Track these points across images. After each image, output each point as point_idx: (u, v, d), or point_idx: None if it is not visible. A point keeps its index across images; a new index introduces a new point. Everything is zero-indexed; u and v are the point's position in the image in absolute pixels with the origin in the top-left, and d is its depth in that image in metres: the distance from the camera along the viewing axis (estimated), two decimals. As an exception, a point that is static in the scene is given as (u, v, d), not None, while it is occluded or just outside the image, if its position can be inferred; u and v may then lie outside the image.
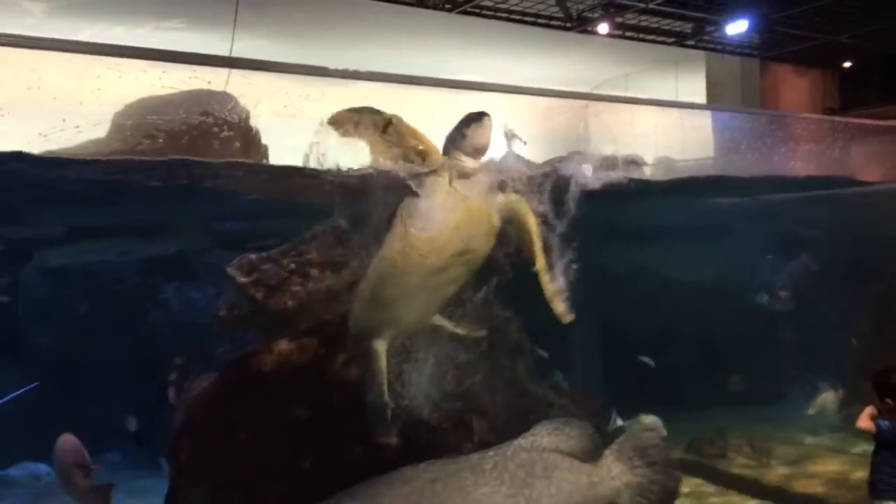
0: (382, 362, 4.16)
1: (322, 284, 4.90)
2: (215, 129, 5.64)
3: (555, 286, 4.14)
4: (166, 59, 4.18)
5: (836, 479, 6.55)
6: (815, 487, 6.46)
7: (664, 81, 12.68)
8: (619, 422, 6.95)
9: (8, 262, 7.44)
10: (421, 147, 3.93)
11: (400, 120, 3.92)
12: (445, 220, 3.88)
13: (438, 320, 4.43)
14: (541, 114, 6.76)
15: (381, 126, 3.90)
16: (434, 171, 3.94)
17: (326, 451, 4.56)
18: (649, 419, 5.32)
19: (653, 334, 8.25)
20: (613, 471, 4.23)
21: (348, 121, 3.89)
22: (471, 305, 4.57)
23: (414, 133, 3.93)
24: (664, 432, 6.75)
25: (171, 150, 5.46)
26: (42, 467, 5.83)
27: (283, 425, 4.56)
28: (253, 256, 5.05)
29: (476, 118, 4.03)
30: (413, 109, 5.87)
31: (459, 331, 4.50)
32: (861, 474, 5.15)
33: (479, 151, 4.02)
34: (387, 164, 4.06)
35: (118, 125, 5.75)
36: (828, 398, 8.05)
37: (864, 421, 4.79)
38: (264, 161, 6.33)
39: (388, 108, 5.80)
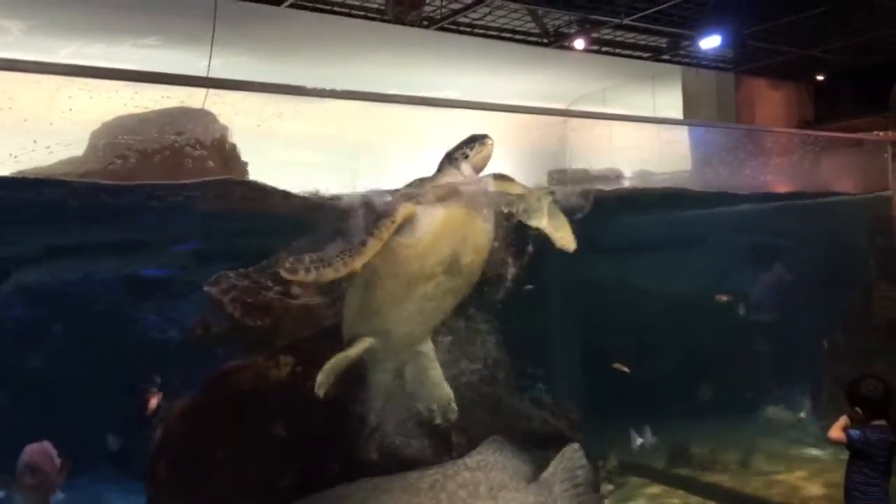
0: (351, 353, 4.21)
1: (298, 301, 4.92)
2: (192, 148, 5.65)
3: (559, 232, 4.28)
4: (140, 80, 4.19)
5: (813, 488, 6.62)
6: (793, 495, 6.52)
7: (641, 95, 12.82)
8: (640, 440, 7.02)
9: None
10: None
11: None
12: (428, 230, 3.92)
13: (428, 349, 4.45)
14: (519, 129, 6.82)
15: None
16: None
17: (305, 467, 4.57)
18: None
19: (631, 345, 8.32)
20: (555, 491, 4.32)
21: None
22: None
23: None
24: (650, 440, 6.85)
25: (147, 169, 5.45)
26: None
27: (261, 442, 4.56)
28: (230, 274, 5.06)
29: (480, 139, 4.13)
30: (389, 127, 5.95)
31: (439, 376, 4.50)
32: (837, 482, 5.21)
33: (477, 171, 4.11)
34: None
35: (94, 145, 5.75)
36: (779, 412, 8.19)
37: (836, 431, 4.86)
38: (242, 179, 6.35)
39: (363, 125, 5.87)
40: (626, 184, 7.97)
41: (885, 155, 7.74)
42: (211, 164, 5.93)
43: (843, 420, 4.92)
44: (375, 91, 5.80)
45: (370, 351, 4.28)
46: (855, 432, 4.77)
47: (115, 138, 5.55)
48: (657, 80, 12.09)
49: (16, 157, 4.22)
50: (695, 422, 7.95)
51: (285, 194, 5.49)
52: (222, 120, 6.03)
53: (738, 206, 8.63)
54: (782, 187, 8.50)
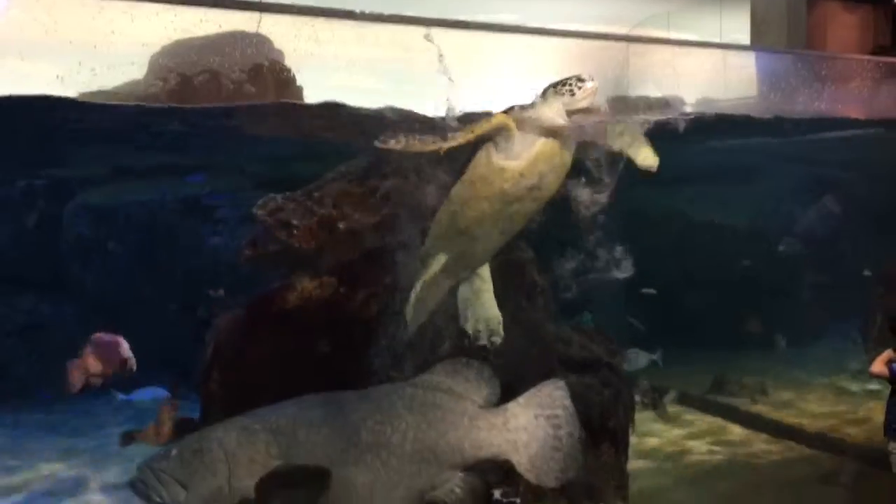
0: (429, 273, 4.47)
1: (343, 224, 5.05)
2: (246, 72, 5.74)
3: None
4: (184, 3, 4.26)
5: (853, 419, 6.60)
6: (833, 426, 6.52)
7: (708, 19, 12.31)
8: (643, 359, 7.06)
9: (52, 200, 7.74)
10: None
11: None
12: (524, 154, 4.11)
13: (485, 273, 4.68)
14: (579, 54, 6.70)
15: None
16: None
17: (345, 383, 4.76)
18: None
19: (681, 276, 8.26)
20: (512, 423, 4.03)
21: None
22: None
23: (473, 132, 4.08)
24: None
25: (208, 89, 5.58)
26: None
27: (305, 358, 4.77)
28: (278, 197, 5.20)
29: (586, 80, 4.18)
30: (446, 52, 5.92)
31: (491, 299, 4.72)
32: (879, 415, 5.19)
33: (579, 111, 4.18)
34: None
35: (155, 68, 5.89)
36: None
37: (878, 365, 4.83)
38: (298, 102, 6.44)
39: (415, 49, 5.84)
40: (688, 110, 7.78)
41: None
42: (267, 86, 6.04)
43: (886, 353, 4.88)
44: (433, 16, 5.80)
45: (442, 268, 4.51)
46: (897, 366, 4.74)
47: (175, 62, 5.69)
48: (724, 2, 11.59)
49: (62, 78, 4.37)
50: (737, 352, 7.94)
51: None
52: (277, 44, 6.11)
53: (802, 135, 8.35)
54: (850, 115, 8.17)
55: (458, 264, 4.56)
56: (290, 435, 3.83)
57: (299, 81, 6.38)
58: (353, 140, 5.89)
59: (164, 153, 7.10)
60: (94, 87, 5.21)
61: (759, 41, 11.05)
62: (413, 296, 4.52)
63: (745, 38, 11.50)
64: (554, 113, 4.11)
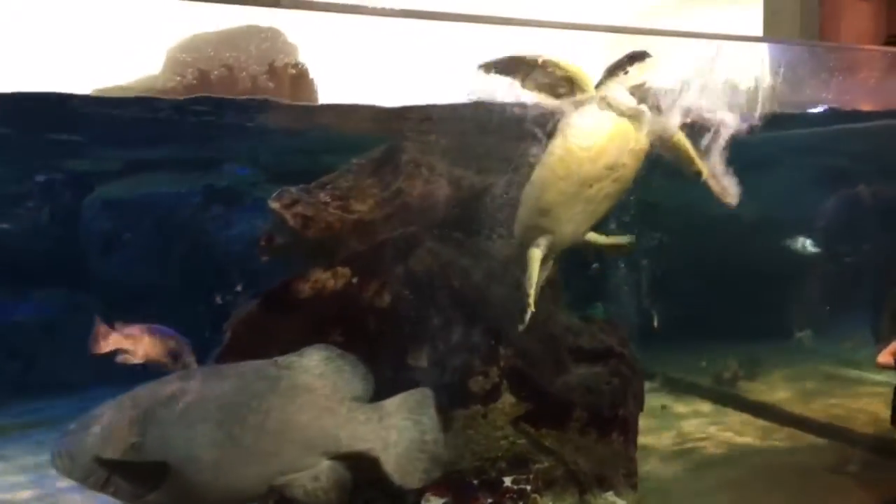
0: (535, 267, 4.60)
1: (356, 216, 5.14)
2: (263, 66, 5.83)
3: (720, 184, 4.47)
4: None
5: (859, 410, 6.63)
6: (839, 416, 6.56)
7: (720, 8, 12.28)
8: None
9: (70, 193, 7.89)
10: (568, 75, 4.23)
11: (545, 58, 4.20)
12: (599, 134, 4.25)
13: (592, 237, 4.84)
14: (588, 45, 6.73)
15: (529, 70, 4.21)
16: (589, 97, 4.29)
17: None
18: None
19: (696, 268, 8.30)
20: (386, 421, 4.01)
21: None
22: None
23: (558, 65, 4.20)
24: None
25: (225, 84, 5.68)
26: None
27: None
28: (293, 189, 5.30)
29: (640, 58, 4.28)
30: (469, 47, 5.98)
31: (614, 240, 4.95)
32: (884, 405, 5.23)
33: (637, 88, 4.30)
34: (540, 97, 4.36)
35: (171, 62, 5.99)
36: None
37: (885, 356, 4.88)
38: (314, 95, 6.52)
39: (432, 44, 5.90)
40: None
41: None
42: (281, 82, 6.12)
43: (894, 344, 4.92)
44: (442, 5, 5.82)
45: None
46: (904, 356, 4.78)
47: (193, 52, 5.78)
48: (737, -7, 11.54)
49: (84, 73, 4.47)
50: (752, 345, 7.98)
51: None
52: (293, 36, 6.19)
53: (813, 127, 8.35)
54: (864, 106, 8.15)
55: (555, 249, 4.72)
56: (150, 411, 3.86)
57: (313, 75, 6.48)
58: (367, 133, 5.98)
59: (180, 146, 7.22)
60: (110, 83, 5.33)
61: (773, 31, 10.99)
62: (533, 285, 4.64)
63: (758, 29, 11.45)
64: (615, 94, 4.23)
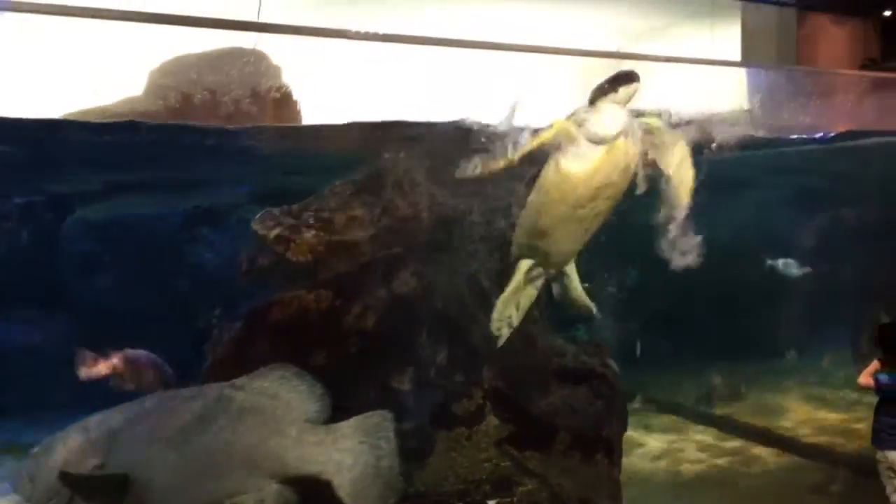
0: (518, 277, 4.80)
1: (339, 237, 5.13)
2: (245, 89, 5.84)
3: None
4: (184, 24, 4.35)
5: (842, 429, 6.66)
6: (823, 436, 6.58)
7: (700, 32, 12.44)
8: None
9: (50, 215, 7.82)
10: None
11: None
12: (590, 158, 4.36)
13: (571, 270, 5.02)
14: (572, 67, 6.80)
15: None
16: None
17: (341, 396, 4.82)
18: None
19: (674, 288, 8.32)
20: (340, 443, 3.93)
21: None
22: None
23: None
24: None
25: (207, 107, 5.68)
26: None
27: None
28: (275, 211, 5.29)
29: (627, 78, 4.40)
30: (441, 70, 6.02)
31: (585, 302, 5.12)
32: (866, 425, 5.27)
33: (623, 105, 4.42)
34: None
35: (152, 85, 5.98)
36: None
37: (865, 377, 4.92)
38: (297, 120, 6.53)
39: (412, 68, 5.95)
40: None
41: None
42: (264, 104, 6.13)
43: (873, 365, 4.96)
44: (425, 30, 5.87)
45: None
46: (883, 377, 4.82)
47: (173, 78, 5.78)
48: (716, 16, 11.71)
49: (67, 98, 4.46)
50: (731, 364, 8.02)
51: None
52: (276, 59, 6.21)
53: (792, 147, 8.45)
54: (839, 128, 8.28)
55: (546, 265, 4.88)
56: (112, 434, 3.90)
57: (297, 97, 6.50)
58: (350, 155, 5.99)
59: (162, 168, 7.19)
60: (94, 106, 5.31)
61: (750, 54, 11.18)
62: (499, 304, 4.83)
63: (736, 52, 11.63)
64: (607, 115, 4.35)
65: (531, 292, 5.06)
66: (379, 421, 4.07)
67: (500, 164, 4.30)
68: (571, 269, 5.09)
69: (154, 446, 3.85)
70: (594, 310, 5.17)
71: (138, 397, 4.27)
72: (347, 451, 3.91)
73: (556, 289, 5.18)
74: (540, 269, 4.95)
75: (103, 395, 5.16)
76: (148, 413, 3.99)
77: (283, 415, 3.95)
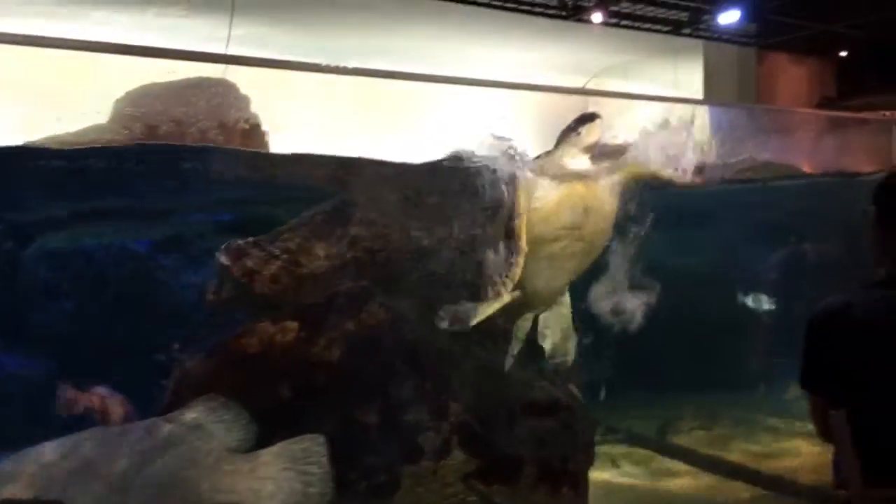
0: (495, 305, 4.71)
1: (306, 269, 5.11)
2: (212, 118, 5.82)
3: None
4: (150, 55, 4.35)
5: (805, 466, 6.73)
6: (787, 470, 6.65)
7: (663, 69, 12.73)
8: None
9: (10, 244, 7.68)
10: None
11: None
12: (549, 197, 4.50)
13: (565, 304, 5.11)
14: (537, 104, 6.91)
15: None
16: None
17: (307, 429, 4.77)
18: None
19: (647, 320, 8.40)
20: (260, 471, 3.89)
21: None
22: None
23: None
24: None
25: (174, 138, 5.64)
26: None
27: (266, 404, 4.76)
28: (241, 241, 5.26)
29: (590, 119, 4.55)
30: (407, 101, 6.07)
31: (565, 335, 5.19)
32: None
33: (590, 148, 4.56)
34: None
35: (117, 114, 5.94)
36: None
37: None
38: (265, 148, 6.52)
39: (381, 102, 6.00)
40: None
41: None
42: (231, 135, 6.12)
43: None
44: (393, 64, 5.93)
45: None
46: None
47: (141, 106, 5.74)
48: (679, 53, 11.99)
49: (30, 125, 4.42)
50: (697, 395, 8.09)
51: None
52: (244, 89, 6.20)
53: (755, 183, 8.62)
54: (800, 164, 8.49)
55: (531, 301, 4.92)
56: (48, 468, 3.85)
57: (265, 128, 6.50)
58: (319, 186, 5.99)
59: (127, 197, 7.12)
60: (58, 133, 5.26)
61: (712, 91, 11.46)
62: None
63: (699, 88, 11.91)
64: (569, 157, 4.45)
65: (525, 325, 5.16)
66: (308, 446, 3.99)
67: (495, 305, 4.51)
68: (566, 300, 5.13)
69: (87, 481, 3.79)
70: (570, 359, 5.22)
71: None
72: (268, 479, 3.83)
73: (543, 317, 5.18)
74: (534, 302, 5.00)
75: (58, 426, 5.08)
76: (82, 446, 3.93)
77: (201, 445, 3.91)
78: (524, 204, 4.53)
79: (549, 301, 5.05)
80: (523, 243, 4.56)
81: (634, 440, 7.45)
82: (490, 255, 4.68)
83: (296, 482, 3.87)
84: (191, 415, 4.04)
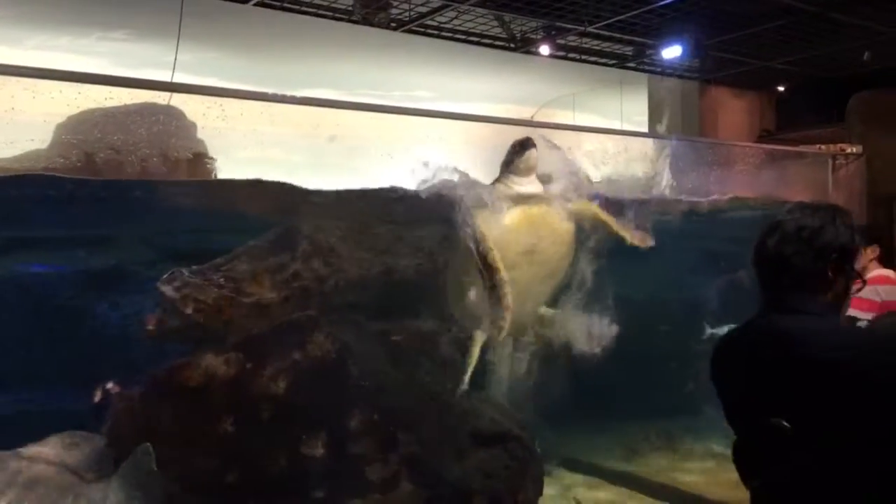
0: (475, 349, 5.02)
1: (250, 299, 5.00)
2: (155, 146, 5.69)
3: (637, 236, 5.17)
4: (89, 81, 4.24)
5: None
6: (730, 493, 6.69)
7: (610, 100, 12.99)
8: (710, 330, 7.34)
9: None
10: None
11: None
12: (502, 225, 4.66)
13: (547, 314, 5.24)
14: (488, 135, 6.95)
15: None
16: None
17: (251, 463, 4.64)
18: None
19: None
20: (111, 497, 3.97)
21: None
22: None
23: None
24: None
25: (112, 166, 5.49)
26: None
27: (208, 438, 4.63)
28: (184, 271, 5.13)
29: (524, 144, 4.78)
30: (354, 130, 6.05)
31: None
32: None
33: (529, 170, 4.73)
34: None
35: (58, 140, 5.77)
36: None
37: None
38: (210, 176, 6.41)
39: (326, 128, 5.97)
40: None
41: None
42: (176, 160, 5.99)
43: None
44: (342, 94, 5.90)
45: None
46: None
47: (79, 133, 5.59)
48: (625, 85, 12.25)
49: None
50: (646, 423, 8.14)
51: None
52: (190, 116, 6.10)
53: (698, 214, 8.79)
54: (742, 194, 8.69)
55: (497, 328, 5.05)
56: None
57: (209, 156, 6.39)
58: (264, 214, 5.90)
59: (66, 225, 6.92)
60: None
61: (656, 123, 11.72)
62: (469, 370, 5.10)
63: (644, 119, 12.18)
64: (514, 183, 4.49)
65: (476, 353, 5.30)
66: (140, 455, 4.12)
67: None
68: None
69: None
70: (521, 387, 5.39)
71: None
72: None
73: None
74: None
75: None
76: None
77: (61, 480, 3.92)
78: (486, 232, 4.55)
79: (519, 331, 5.10)
80: (503, 274, 4.58)
81: (588, 470, 7.43)
82: (464, 288, 4.74)
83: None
84: (47, 451, 4.07)
